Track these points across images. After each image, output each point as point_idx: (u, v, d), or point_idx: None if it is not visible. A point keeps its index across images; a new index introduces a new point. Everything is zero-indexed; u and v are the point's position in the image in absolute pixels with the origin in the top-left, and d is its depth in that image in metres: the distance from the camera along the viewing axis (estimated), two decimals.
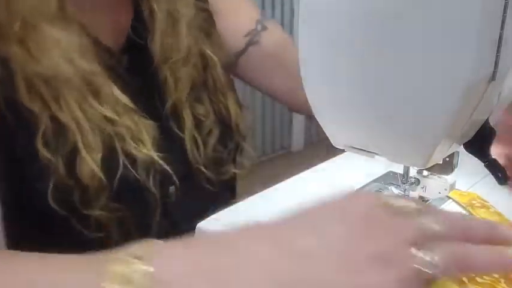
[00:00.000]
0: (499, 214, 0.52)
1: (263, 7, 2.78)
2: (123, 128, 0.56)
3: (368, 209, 0.32)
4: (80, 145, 0.53)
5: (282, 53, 0.76)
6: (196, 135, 0.64)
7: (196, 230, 0.53)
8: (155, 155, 0.57)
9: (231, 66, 0.74)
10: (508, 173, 0.54)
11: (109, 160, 0.55)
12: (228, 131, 0.68)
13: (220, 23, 0.72)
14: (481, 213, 0.52)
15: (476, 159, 0.60)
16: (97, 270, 0.31)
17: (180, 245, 0.33)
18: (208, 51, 0.66)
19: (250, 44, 0.74)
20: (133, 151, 0.56)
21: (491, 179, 0.60)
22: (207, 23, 0.69)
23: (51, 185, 0.53)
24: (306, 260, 0.30)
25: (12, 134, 0.53)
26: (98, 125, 0.55)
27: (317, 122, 0.51)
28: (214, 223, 0.53)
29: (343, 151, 0.55)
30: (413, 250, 0.30)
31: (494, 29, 0.40)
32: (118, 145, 0.55)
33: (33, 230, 0.56)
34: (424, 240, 0.31)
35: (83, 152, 0.53)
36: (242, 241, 0.33)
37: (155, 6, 0.61)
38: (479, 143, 0.50)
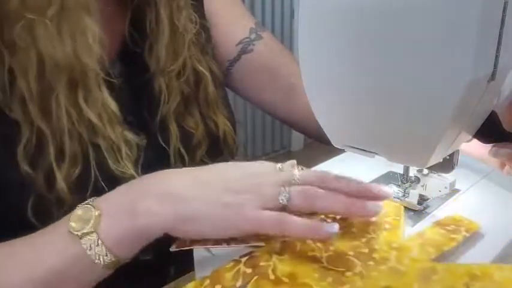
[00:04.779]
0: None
1: (263, 7, 2.78)
2: (104, 140, 0.55)
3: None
4: (56, 159, 0.52)
5: (276, 64, 0.75)
6: (182, 149, 0.63)
7: None
8: (134, 174, 0.56)
9: (224, 76, 0.73)
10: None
11: (84, 175, 0.54)
12: (217, 146, 0.67)
13: (214, 30, 0.71)
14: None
15: (477, 159, 0.60)
16: (68, 216, 0.45)
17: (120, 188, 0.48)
18: (202, 68, 0.66)
19: (243, 52, 0.73)
20: (112, 168, 0.55)
21: (491, 178, 0.60)
22: (204, 40, 0.68)
23: (31, 199, 0.51)
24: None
25: None
26: (80, 134, 0.53)
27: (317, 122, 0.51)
28: None
29: (343, 151, 0.55)
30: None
31: (494, 29, 0.40)
32: (94, 160, 0.54)
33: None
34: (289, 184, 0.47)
35: (58, 167, 0.52)
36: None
37: (163, 16, 0.60)
38: (492, 131, 0.50)
